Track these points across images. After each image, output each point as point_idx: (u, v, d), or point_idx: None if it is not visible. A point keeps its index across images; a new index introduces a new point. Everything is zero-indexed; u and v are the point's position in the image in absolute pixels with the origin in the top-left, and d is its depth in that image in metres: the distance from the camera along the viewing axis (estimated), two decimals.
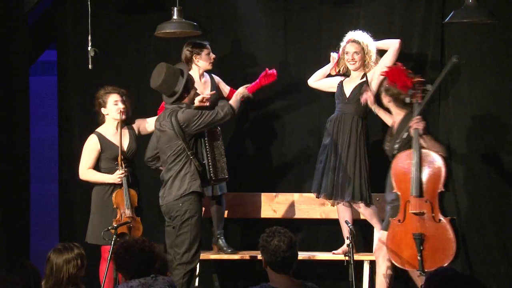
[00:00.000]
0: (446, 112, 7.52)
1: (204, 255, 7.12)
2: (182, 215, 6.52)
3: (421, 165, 6.36)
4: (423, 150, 6.40)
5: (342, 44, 7.33)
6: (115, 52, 8.05)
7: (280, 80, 7.82)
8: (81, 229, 7.32)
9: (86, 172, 6.96)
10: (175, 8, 7.14)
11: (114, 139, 6.95)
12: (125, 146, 6.96)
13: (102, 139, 6.94)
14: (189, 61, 7.31)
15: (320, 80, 7.49)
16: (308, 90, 7.59)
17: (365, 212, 7.21)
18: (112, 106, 6.94)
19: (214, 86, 7.44)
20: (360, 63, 7.23)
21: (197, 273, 6.94)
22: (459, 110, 7.47)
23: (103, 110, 6.97)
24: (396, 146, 6.56)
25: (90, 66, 7.20)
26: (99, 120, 7.04)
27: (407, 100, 6.51)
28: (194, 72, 7.31)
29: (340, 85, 7.34)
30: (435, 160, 6.39)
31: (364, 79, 7.26)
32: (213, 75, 7.49)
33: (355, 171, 7.12)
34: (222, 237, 7.48)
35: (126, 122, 7.03)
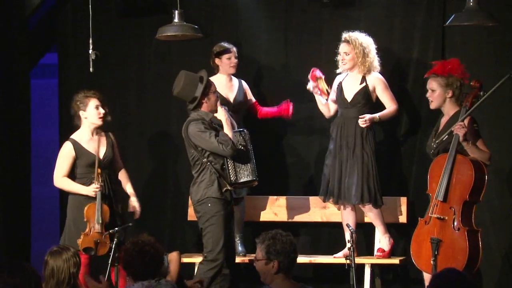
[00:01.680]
0: None
1: None
2: (203, 216, 6.61)
3: (452, 171, 6.26)
4: (459, 156, 6.28)
5: None
6: (116, 55, 8.04)
7: (281, 83, 7.89)
8: None
9: (60, 180, 6.91)
10: (176, 11, 7.13)
11: (89, 146, 6.89)
12: (101, 153, 6.92)
13: (77, 146, 6.87)
14: (214, 64, 7.45)
15: (330, 108, 7.36)
16: (309, 93, 7.58)
17: (371, 213, 7.19)
18: (93, 110, 6.88)
19: (241, 92, 7.49)
20: (350, 64, 7.20)
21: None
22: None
23: (82, 113, 6.89)
24: (435, 145, 6.46)
25: (91, 69, 7.16)
26: (73, 124, 6.97)
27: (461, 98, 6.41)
28: (220, 74, 7.43)
29: (340, 88, 7.31)
30: (467, 168, 6.23)
31: (364, 84, 7.22)
32: (242, 81, 7.54)
33: (363, 174, 7.09)
34: (239, 241, 7.46)
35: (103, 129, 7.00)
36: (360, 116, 7.11)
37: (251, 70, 7.84)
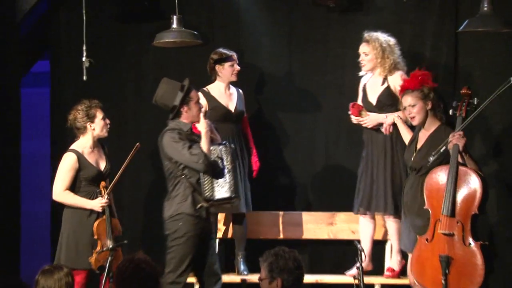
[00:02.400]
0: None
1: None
2: (172, 233, 6.41)
3: (456, 184, 6.07)
4: (461, 168, 6.11)
5: None
6: (111, 62, 7.99)
7: (284, 91, 7.85)
8: None
9: (63, 194, 6.67)
10: (175, 16, 7.10)
11: (91, 159, 6.72)
12: (102, 166, 6.76)
13: (80, 158, 6.67)
14: (212, 71, 7.32)
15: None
16: (313, 101, 7.55)
17: (394, 226, 6.96)
18: (101, 122, 6.71)
19: (241, 101, 7.37)
20: (370, 65, 7.06)
21: None
22: (474, 121, 7.24)
23: (90, 125, 6.68)
24: (431, 159, 6.23)
25: (84, 77, 7.05)
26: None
27: (450, 112, 6.26)
28: (219, 82, 7.29)
29: (364, 91, 7.16)
30: (473, 180, 6.07)
31: (386, 84, 7.03)
32: (240, 90, 7.42)
33: (395, 182, 6.89)
34: (241, 259, 7.30)
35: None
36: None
37: (253, 77, 7.79)
